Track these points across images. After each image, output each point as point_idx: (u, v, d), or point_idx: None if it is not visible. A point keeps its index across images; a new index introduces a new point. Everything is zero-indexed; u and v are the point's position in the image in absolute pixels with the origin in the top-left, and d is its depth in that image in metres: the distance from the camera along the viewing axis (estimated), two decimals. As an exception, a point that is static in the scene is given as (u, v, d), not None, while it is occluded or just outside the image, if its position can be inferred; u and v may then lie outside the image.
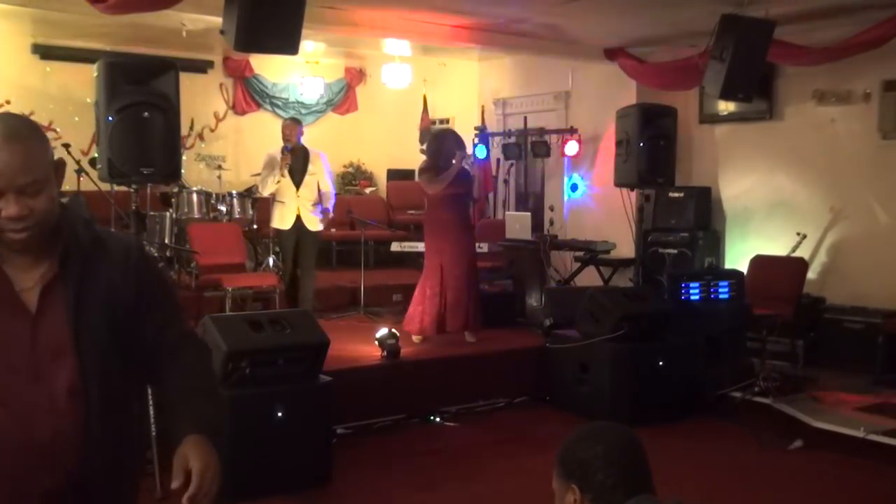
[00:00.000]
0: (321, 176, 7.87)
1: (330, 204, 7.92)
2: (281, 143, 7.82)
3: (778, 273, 7.85)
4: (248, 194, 9.46)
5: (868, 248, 7.90)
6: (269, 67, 12.52)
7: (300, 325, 5.18)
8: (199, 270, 8.09)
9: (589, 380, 6.50)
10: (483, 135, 10.90)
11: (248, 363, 4.87)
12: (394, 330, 6.68)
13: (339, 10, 7.49)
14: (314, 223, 7.84)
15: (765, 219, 8.72)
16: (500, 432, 6.24)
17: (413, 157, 11.94)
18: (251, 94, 12.50)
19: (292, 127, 7.97)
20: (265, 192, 7.91)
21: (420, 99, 12.07)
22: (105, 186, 7.34)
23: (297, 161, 7.77)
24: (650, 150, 7.09)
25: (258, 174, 8.94)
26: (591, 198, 10.08)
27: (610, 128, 7.66)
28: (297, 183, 7.75)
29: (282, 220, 7.82)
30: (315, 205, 7.84)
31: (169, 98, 4.95)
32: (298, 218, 7.75)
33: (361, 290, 8.68)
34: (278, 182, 7.70)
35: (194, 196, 8.89)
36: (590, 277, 9.05)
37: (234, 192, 9.53)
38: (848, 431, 5.77)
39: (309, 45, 10.65)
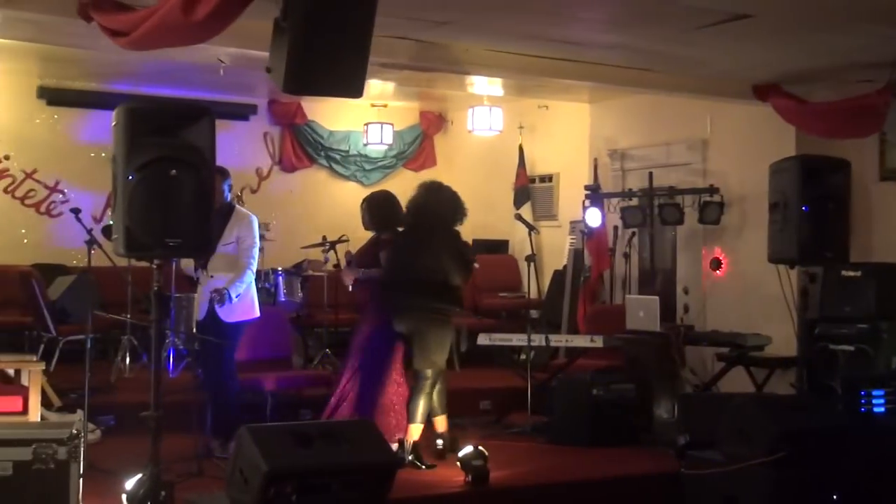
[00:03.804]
0: (241, 246, 7.29)
1: (234, 286, 7.16)
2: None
3: None
4: (298, 272, 9.61)
5: None
6: (324, 112, 12.84)
7: (361, 438, 5.20)
8: (235, 368, 8.20)
9: (738, 518, 6.35)
10: (596, 196, 10.92)
11: (294, 488, 4.89)
12: (481, 448, 6.66)
13: (412, 42, 7.67)
14: (227, 311, 7.22)
15: (972, 306, 8.49)
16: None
17: (506, 224, 12.02)
18: (302, 146, 12.80)
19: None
20: (183, 267, 7.70)
21: (515, 151, 12.21)
22: (121, 261, 7.53)
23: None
24: (815, 215, 7.04)
25: (312, 245, 9.02)
26: (737, 277, 9.96)
27: (762, 187, 7.60)
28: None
29: (198, 306, 7.55)
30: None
31: (202, 152, 5.09)
32: (210, 305, 7.25)
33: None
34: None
35: (230, 274, 9.07)
36: (738, 381, 8.90)
37: (279, 268, 9.69)
38: None
39: (375, 84, 10.87)
